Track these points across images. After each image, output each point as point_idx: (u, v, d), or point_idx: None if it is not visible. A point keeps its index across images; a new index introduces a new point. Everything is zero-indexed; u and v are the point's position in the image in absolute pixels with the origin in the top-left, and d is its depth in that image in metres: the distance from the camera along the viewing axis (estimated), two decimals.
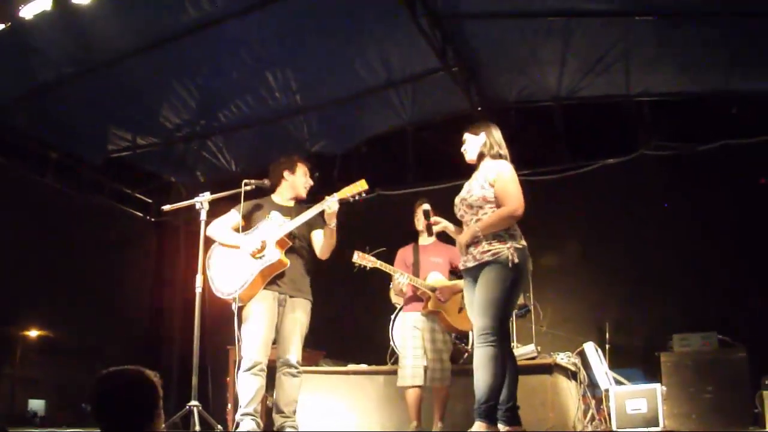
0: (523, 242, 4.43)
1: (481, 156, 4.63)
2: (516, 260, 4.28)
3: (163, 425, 4.68)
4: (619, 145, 8.10)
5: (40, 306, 8.42)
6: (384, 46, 7.43)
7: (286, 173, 5.49)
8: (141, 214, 10.19)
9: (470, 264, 4.46)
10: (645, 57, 7.31)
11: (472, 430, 4.15)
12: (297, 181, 5.49)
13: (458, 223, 4.70)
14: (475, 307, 4.35)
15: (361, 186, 5.03)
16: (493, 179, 4.45)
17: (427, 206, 5.02)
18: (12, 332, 8.31)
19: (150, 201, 10.15)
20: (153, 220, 10.34)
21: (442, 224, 4.81)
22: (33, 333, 8.57)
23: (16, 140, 8.29)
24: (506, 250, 4.30)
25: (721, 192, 7.44)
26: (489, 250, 4.34)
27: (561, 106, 8.21)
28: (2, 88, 7.41)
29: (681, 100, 7.79)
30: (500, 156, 4.59)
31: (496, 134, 4.68)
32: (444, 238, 5.29)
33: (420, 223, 5.80)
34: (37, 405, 8.30)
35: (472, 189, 4.53)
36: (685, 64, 7.30)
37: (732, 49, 6.89)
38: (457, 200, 4.65)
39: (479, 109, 8.24)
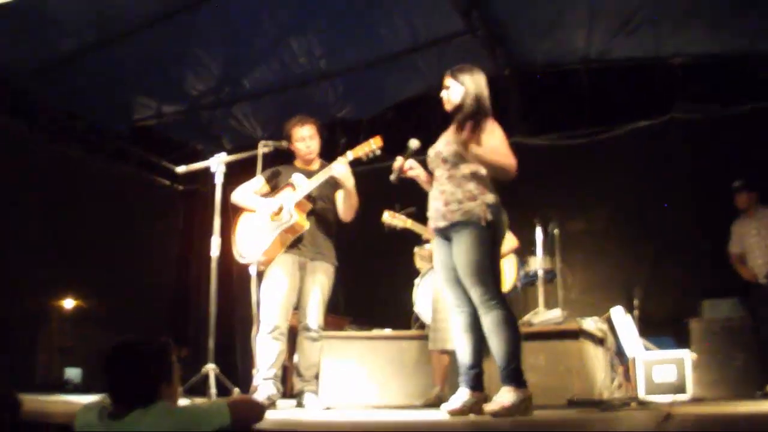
0: (495, 196, 4.20)
1: (460, 107, 4.33)
2: (489, 217, 4.09)
3: (180, 389, 4.73)
4: (648, 108, 7.93)
5: (73, 276, 8.48)
6: (408, 9, 7.30)
7: (289, 144, 5.48)
8: (168, 183, 10.20)
9: (441, 224, 4.25)
10: (674, 18, 7.12)
11: (499, 396, 4.01)
12: (296, 149, 5.47)
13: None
14: (462, 275, 4.16)
15: (375, 143, 4.97)
16: (478, 137, 4.17)
17: (416, 143, 4.53)
18: (47, 303, 8.38)
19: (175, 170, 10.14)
20: (180, 188, 10.37)
21: (417, 171, 4.51)
22: (67, 303, 8.64)
23: (40, 110, 8.29)
24: (477, 207, 4.11)
25: (753, 155, 7.27)
26: (459, 209, 4.14)
27: (589, 68, 8.02)
28: (25, 58, 7.39)
29: (712, 62, 7.60)
30: (485, 113, 4.28)
31: (482, 83, 4.36)
32: None
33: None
34: (73, 373, 8.37)
35: (450, 143, 4.29)
36: (715, 25, 7.10)
37: (762, 9, 6.68)
38: (431, 152, 4.41)
39: (506, 72, 8.14)
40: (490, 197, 4.17)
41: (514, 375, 4.02)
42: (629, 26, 7.31)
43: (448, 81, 4.41)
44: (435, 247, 4.44)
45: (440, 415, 4.13)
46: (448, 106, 4.42)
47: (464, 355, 4.28)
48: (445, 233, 4.29)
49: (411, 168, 4.50)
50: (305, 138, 5.42)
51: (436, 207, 4.30)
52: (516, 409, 3.90)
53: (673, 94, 7.81)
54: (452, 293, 4.34)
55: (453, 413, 4.07)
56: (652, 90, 7.90)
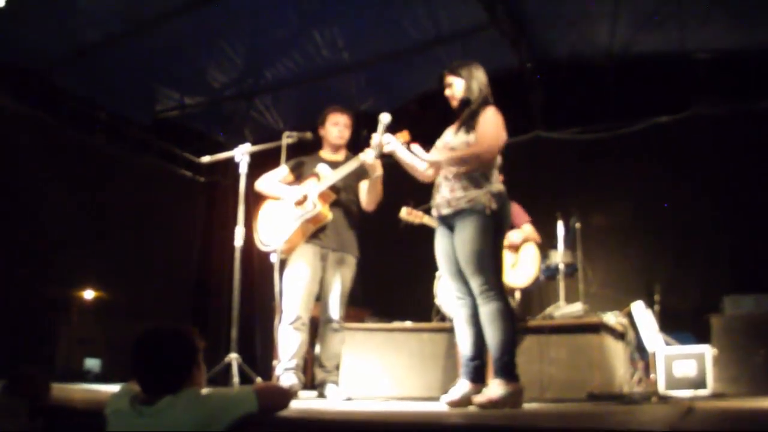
0: (500, 186, 4.25)
1: (466, 101, 4.42)
2: (494, 206, 4.13)
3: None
4: (671, 103, 7.87)
5: (95, 267, 8.54)
6: (432, 1, 7.31)
7: (319, 129, 5.51)
8: (190, 174, 10.23)
9: (445, 211, 4.30)
10: (699, 12, 7.05)
11: (489, 388, 4.06)
12: (327, 133, 5.48)
13: None
14: (463, 264, 4.20)
15: (402, 137, 4.97)
16: (476, 123, 4.27)
17: (387, 117, 4.64)
18: (68, 293, 8.43)
19: (199, 161, 10.18)
20: (202, 179, 10.40)
21: (394, 145, 4.57)
22: (88, 294, 8.69)
23: (64, 101, 8.33)
24: (483, 196, 4.14)
25: None
26: (464, 196, 4.19)
27: (612, 62, 7.97)
28: (49, 49, 7.45)
29: (736, 57, 7.53)
30: (486, 102, 4.37)
31: (480, 76, 4.45)
32: None
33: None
34: (92, 363, 8.42)
35: (458, 134, 4.36)
36: (740, 19, 7.05)
37: None
38: (439, 144, 4.49)
39: (528, 65, 8.12)
40: (496, 186, 4.22)
41: (506, 368, 4.05)
42: (653, 20, 7.27)
43: (449, 78, 4.50)
44: (438, 236, 4.48)
45: (440, 406, 4.15)
46: (455, 102, 4.50)
47: (465, 347, 4.33)
48: (448, 221, 4.33)
49: (388, 143, 4.58)
50: (339, 124, 5.47)
51: (442, 194, 4.35)
52: (504, 402, 3.93)
53: (697, 89, 7.74)
54: (455, 285, 4.38)
55: (452, 404, 4.11)
56: (676, 85, 7.82)
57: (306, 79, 8.53)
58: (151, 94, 8.78)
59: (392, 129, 4.77)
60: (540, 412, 3.94)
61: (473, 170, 4.22)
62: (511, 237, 6.48)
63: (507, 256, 6.39)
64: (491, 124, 4.24)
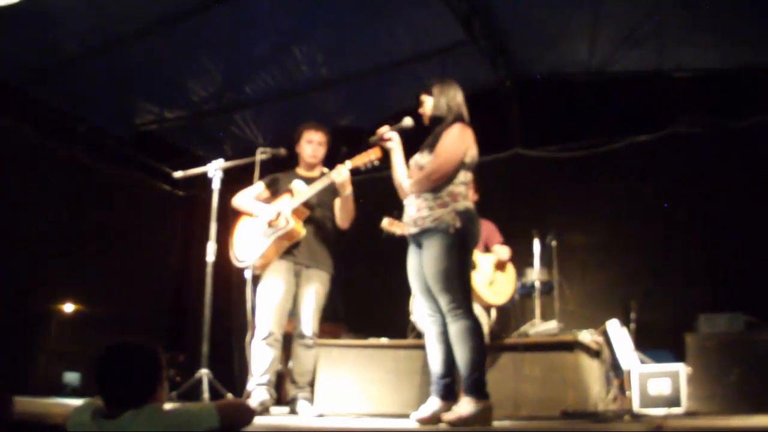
0: (467, 203, 4.24)
1: (435, 119, 4.43)
2: (458, 225, 4.11)
3: (174, 393, 4.77)
4: (650, 122, 7.91)
5: (73, 280, 8.49)
6: (411, 18, 7.35)
7: (295, 146, 5.51)
8: (169, 188, 10.21)
9: (413, 230, 4.30)
10: (678, 30, 7.12)
11: (458, 406, 4.04)
12: (301, 150, 5.50)
13: None
14: (431, 282, 4.20)
15: (374, 154, 4.97)
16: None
17: (410, 121, 4.61)
18: (47, 307, 8.39)
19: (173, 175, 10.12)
20: (181, 193, 10.37)
21: (393, 144, 4.54)
22: (67, 307, 8.64)
23: (43, 114, 8.28)
24: (447, 215, 4.14)
25: (753, 171, 7.26)
26: (429, 215, 4.19)
27: (591, 80, 8.01)
28: (27, 61, 7.42)
29: (715, 76, 7.58)
30: (458, 119, 4.35)
31: (451, 93, 4.44)
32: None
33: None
34: (71, 377, 8.37)
35: (424, 153, 4.37)
36: (718, 38, 7.11)
37: (765, 21, 6.68)
38: (411, 162, 4.47)
39: (507, 83, 8.15)
40: (461, 205, 4.20)
41: (475, 385, 4.04)
42: (632, 39, 7.32)
43: (422, 97, 4.53)
44: (409, 254, 4.48)
45: (410, 424, 4.14)
46: (426, 120, 4.52)
47: (436, 364, 4.33)
48: (416, 240, 4.34)
49: (390, 139, 4.56)
50: (313, 142, 5.47)
51: (409, 214, 4.36)
52: (474, 419, 3.91)
53: (675, 108, 7.78)
54: (425, 302, 4.38)
55: (422, 422, 4.10)
56: (654, 103, 7.86)
57: (285, 94, 8.53)
58: (131, 107, 8.75)
59: (367, 143, 4.77)
60: (509, 430, 3.94)
61: (433, 187, 4.23)
62: (500, 253, 6.45)
63: (487, 273, 6.37)
64: (448, 140, 4.24)
